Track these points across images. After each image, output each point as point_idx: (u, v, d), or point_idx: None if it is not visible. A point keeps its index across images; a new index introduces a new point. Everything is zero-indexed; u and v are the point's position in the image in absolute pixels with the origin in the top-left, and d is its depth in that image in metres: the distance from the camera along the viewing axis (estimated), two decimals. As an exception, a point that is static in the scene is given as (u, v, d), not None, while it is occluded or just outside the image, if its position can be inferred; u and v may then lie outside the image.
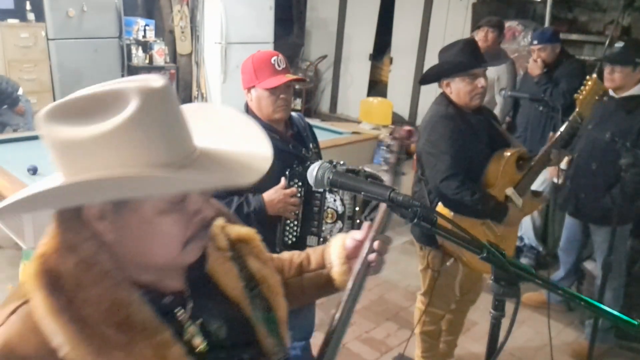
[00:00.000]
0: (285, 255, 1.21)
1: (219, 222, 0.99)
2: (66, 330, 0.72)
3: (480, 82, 2.28)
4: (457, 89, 2.29)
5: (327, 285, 1.14)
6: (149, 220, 0.78)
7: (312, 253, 1.19)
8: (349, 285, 1.03)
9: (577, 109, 2.39)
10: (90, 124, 0.72)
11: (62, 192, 0.74)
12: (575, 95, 2.45)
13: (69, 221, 0.79)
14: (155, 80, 0.75)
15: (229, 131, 0.90)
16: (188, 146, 0.79)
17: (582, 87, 2.42)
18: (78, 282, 0.75)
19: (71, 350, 0.72)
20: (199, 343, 0.84)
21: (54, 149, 0.75)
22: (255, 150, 0.88)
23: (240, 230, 1.03)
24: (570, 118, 2.38)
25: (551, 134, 2.44)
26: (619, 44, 2.85)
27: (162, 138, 0.74)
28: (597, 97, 2.43)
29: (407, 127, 1.47)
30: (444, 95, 2.38)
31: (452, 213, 2.28)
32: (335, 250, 1.14)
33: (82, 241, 0.78)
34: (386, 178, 1.33)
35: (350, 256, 1.11)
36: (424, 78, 2.46)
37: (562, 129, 2.36)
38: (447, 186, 2.22)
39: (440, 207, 2.31)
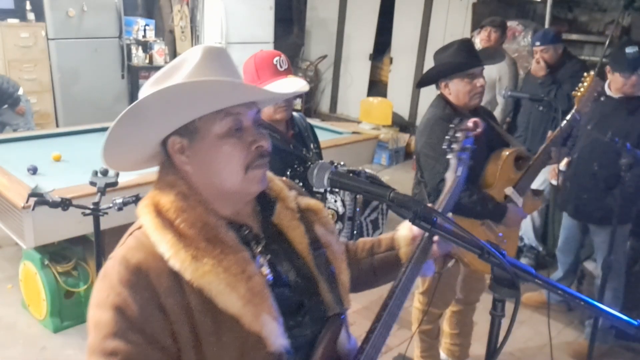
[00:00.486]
0: (358, 240, 1.36)
1: (292, 192, 1.16)
2: (168, 241, 0.93)
3: (479, 81, 2.28)
4: (456, 89, 2.29)
5: (395, 266, 1.25)
6: (213, 144, 0.98)
7: (383, 237, 1.32)
8: (410, 257, 1.16)
9: (575, 107, 2.38)
10: (172, 78, 0.97)
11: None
12: (574, 92, 2.44)
13: (167, 168, 1.03)
14: (214, 45, 0.98)
15: (281, 86, 1.19)
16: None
17: (580, 85, 2.41)
18: (177, 208, 0.97)
19: (173, 255, 0.92)
20: (267, 273, 1.01)
21: (158, 104, 0.94)
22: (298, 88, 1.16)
23: (310, 201, 1.18)
24: (569, 116, 2.37)
25: (550, 132, 2.43)
26: (632, 49, 2.72)
27: (224, 75, 0.97)
28: (595, 94, 2.41)
29: (473, 119, 1.53)
30: (440, 97, 2.37)
31: (450, 214, 2.28)
32: (403, 232, 1.28)
33: (177, 179, 1.01)
34: (452, 163, 1.46)
35: (416, 238, 1.25)
36: (421, 81, 2.45)
37: (560, 126, 2.36)
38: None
39: None
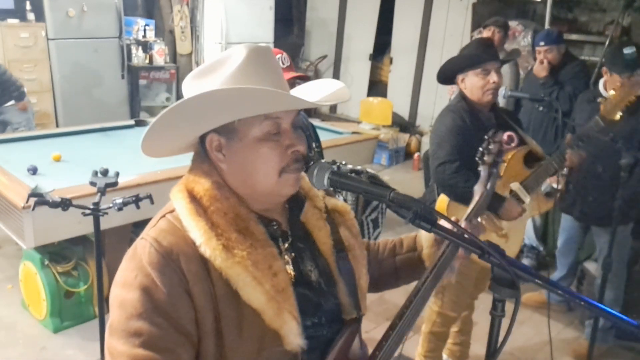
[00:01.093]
0: (380, 240, 1.36)
1: (320, 192, 1.16)
2: (201, 228, 0.94)
3: (493, 77, 2.30)
4: (471, 84, 2.34)
5: (417, 267, 1.26)
6: (251, 146, 0.98)
7: (405, 238, 1.33)
8: (433, 264, 1.15)
9: (600, 112, 2.28)
10: (214, 74, 0.98)
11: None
12: (601, 99, 2.38)
13: (202, 157, 1.03)
14: (259, 44, 1.01)
15: (317, 88, 1.13)
16: (287, 90, 1.01)
17: (613, 93, 2.30)
18: (211, 196, 0.98)
19: (204, 242, 0.93)
20: (290, 271, 1.02)
21: (200, 105, 0.95)
22: (336, 90, 1.12)
23: (337, 202, 1.19)
24: (592, 122, 2.30)
25: (568, 135, 2.42)
26: (630, 49, 2.72)
27: (267, 79, 0.97)
28: (629, 102, 2.27)
29: (508, 132, 1.50)
30: (460, 92, 2.43)
31: (448, 200, 2.29)
32: (426, 234, 1.26)
33: (212, 169, 1.02)
34: (482, 175, 1.40)
35: (439, 240, 1.24)
36: (440, 75, 2.48)
37: (580, 130, 2.35)
38: (442, 171, 2.25)
39: (441, 196, 2.33)
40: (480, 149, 1.52)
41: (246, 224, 0.98)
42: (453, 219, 1.14)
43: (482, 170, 1.49)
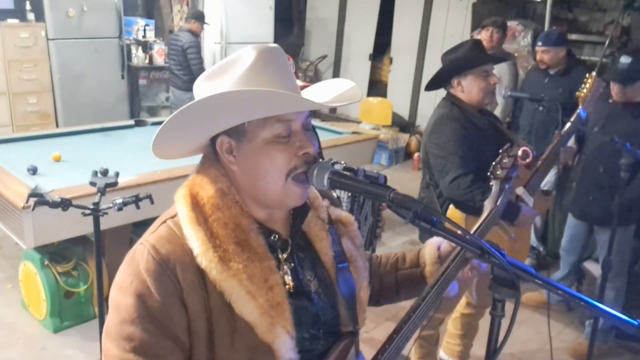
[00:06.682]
0: (383, 254, 1.35)
1: (325, 202, 1.16)
2: (199, 238, 0.93)
3: (493, 79, 2.28)
4: (470, 86, 2.28)
5: (419, 284, 1.24)
6: (260, 148, 0.97)
7: (408, 253, 1.31)
8: (433, 282, 1.16)
9: (579, 107, 2.38)
10: (225, 76, 0.98)
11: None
12: (577, 93, 2.43)
13: (212, 161, 1.02)
14: (270, 44, 1.01)
15: (327, 88, 1.11)
16: (298, 90, 1.01)
17: (583, 85, 2.41)
18: (213, 205, 0.97)
19: (201, 253, 0.93)
20: (289, 282, 1.02)
21: (210, 107, 0.94)
22: (347, 90, 1.10)
23: (341, 213, 1.18)
24: (574, 116, 2.37)
25: (557, 132, 2.43)
26: (626, 59, 2.72)
27: (277, 80, 0.96)
28: (598, 94, 2.41)
29: (524, 147, 1.48)
30: (446, 99, 2.36)
31: (464, 215, 2.25)
32: (429, 250, 1.26)
33: (220, 175, 1.01)
34: (493, 190, 1.37)
35: (442, 258, 1.24)
36: (433, 80, 2.38)
37: (566, 127, 2.36)
38: (457, 186, 2.18)
39: (451, 210, 2.27)
40: (494, 162, 1.48)
41: (246, 236, 0.97)
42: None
43: (494, 185, 1.45)
